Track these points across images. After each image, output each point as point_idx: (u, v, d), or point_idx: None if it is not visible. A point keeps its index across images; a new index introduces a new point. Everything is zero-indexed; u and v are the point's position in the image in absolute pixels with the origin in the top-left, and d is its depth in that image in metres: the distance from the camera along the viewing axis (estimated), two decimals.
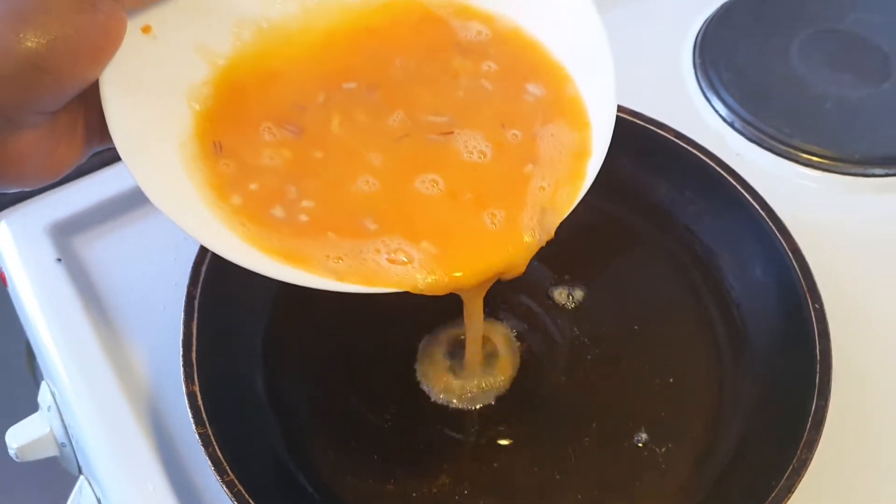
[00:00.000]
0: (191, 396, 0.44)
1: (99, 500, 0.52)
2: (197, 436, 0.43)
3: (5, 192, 0.49)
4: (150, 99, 0.39)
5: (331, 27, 0.44)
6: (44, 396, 0.56)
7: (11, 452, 0.57)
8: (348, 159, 0.41)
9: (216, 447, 0.43)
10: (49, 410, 0.56)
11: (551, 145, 0.43)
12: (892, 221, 0.61)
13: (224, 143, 0.41)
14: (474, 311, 0.45)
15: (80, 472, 0.56)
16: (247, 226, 0.39)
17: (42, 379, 0.58)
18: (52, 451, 0.56)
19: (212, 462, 0.42)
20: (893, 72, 0.69)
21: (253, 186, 0.40)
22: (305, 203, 0.40)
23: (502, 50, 0.45)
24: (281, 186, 0.40)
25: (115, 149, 0.37)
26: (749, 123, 0.65)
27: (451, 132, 0.43)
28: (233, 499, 0.41)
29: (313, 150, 0.42)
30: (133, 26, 0.38)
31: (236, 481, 0.41)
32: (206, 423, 0.43)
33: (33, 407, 0.59)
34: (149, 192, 0.37)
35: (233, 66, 0.42)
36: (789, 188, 0.63)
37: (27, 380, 0.71)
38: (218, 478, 0.42)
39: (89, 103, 0.37)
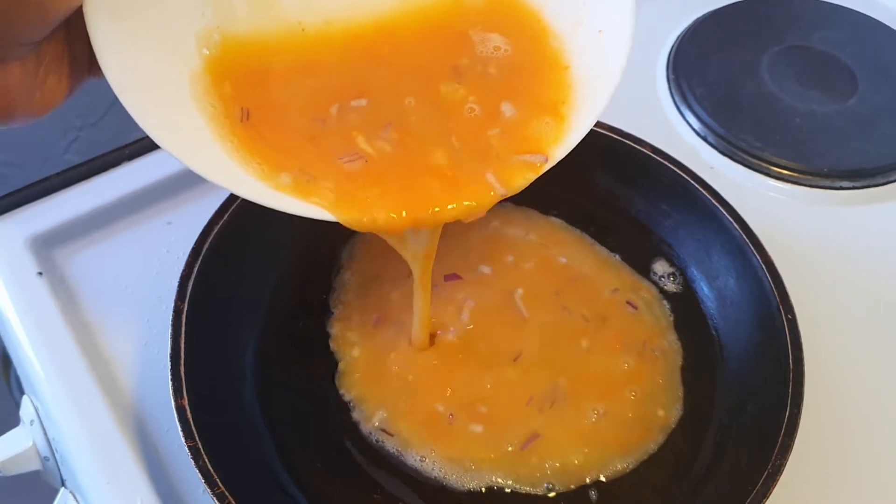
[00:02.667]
0: (180, 410, 0.45)
1: None
2: (187, 449, 0.43)
3: None
4: (146, 29, 0.39)
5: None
6: (26, 410, 0.56)
7: None
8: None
9: (206, 460, 0.43)
10: (32, 424, 0.55)
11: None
12: (859, 233, 0.63)
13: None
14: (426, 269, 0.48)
15: (64, 485, 0.56)
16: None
17: (23, 393, 0.58)
18: (35, 465, 0.56)
19: (202, 475, 0.43)
20: (859, 88, 0.71)
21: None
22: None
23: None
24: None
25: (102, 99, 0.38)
26: (722, 137, 0.67)
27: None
28: None
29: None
30: None
31: (227, 493, 0.42)
32: (196, 436, 0.44)
33: (10, 418, 0.59)
34: (144, 123, 0.37)
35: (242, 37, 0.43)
36: (761, 200, 0.64)
37: (3, 392, 0.70)
38: (209, 490, 0.42)
39: (74, 33, 0.36)
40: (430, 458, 0.49)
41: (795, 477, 0.45)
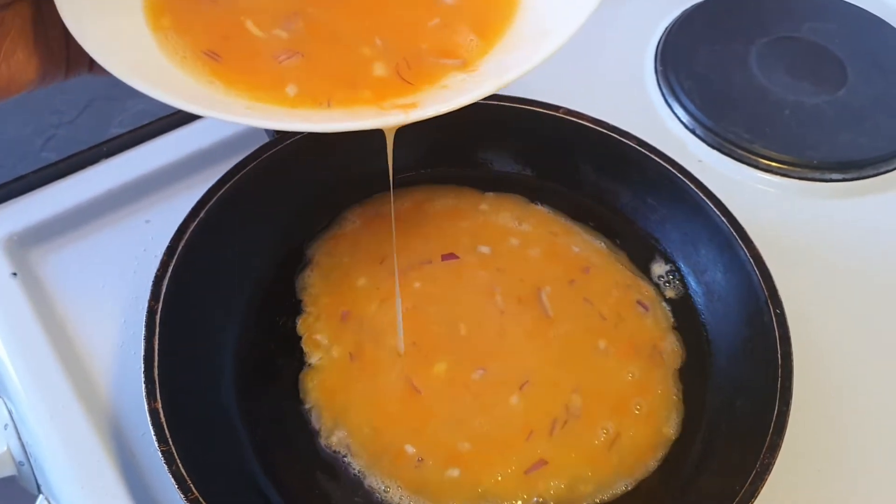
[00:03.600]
0: (153, 413, 0.43)
1: None
2: (160, 453, 0.42)
3: None
4: None
5: None
6: (0, 414, 0.55)
7: None
8: None
9: (179, 465, 0.42)
10: (6, 429, 0.54)
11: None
12: (849, 225, 0.62)
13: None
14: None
15: (40, 490, 0.55)
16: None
17: None
18: (9, 471, 0.55)
19: (175, 480, 0.42)
20: (849, 79, 0.70)
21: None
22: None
23: None
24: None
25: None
26: (710, 130, 0.66)
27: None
28: None
29: None
30: None
31: (201, 499, 0.41)
32: (169, 440, 0.43)
33: None
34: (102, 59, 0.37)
35: None
36: (750, 193, 0.63)
37: None
38: (182, 496, 0.41)
39: (46, 16, 0.36)
40: (393, 490, 0.47)
41: (785, 476, 0.44)
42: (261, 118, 0.39)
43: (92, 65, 0.42)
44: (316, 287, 0.55)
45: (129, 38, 0.41)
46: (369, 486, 0.47)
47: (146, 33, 0.42)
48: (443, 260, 0.56)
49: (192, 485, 0.41)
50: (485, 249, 0.56)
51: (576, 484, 0.47)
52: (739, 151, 0.65)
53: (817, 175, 0.64)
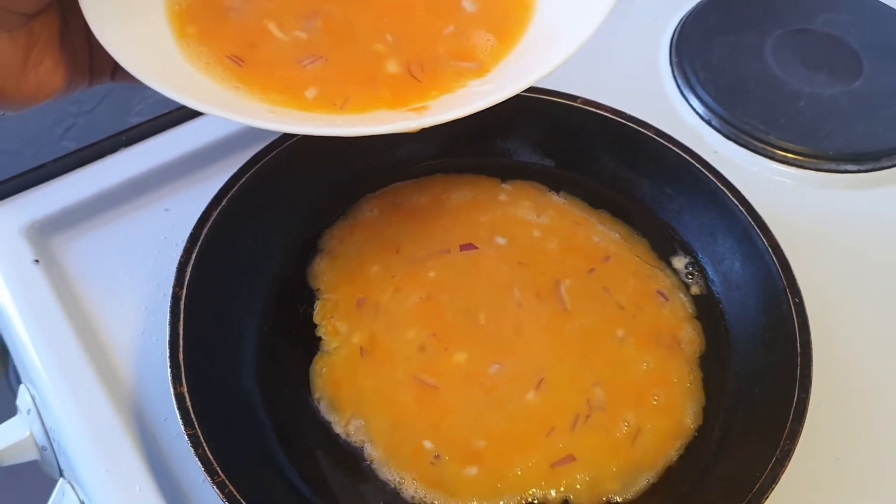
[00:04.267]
0: (179, 398, 0.44)
1: (82, 503, 0.51)
2: (186, 437, 0.43)
3: None
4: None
5: None
6: (23, 399, 0.56)
7: None
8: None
9: (206, 448, 0.42)
10: (29, 414, 0.55)
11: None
12: (866, 216, 0.62)
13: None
14: None
15: (62, 475, 0.55)
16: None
17: (20, 382, 0.57)
18: (32, 455, 0.55)
19: (202, 463, 0.42)
20: (865, 70, 0.70)
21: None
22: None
23: None
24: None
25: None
26: (726, 121, 0.66)
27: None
28: (224, 500, 0.41)
29: None
30: None
31: (227, 482, 0.41)
32: (196, 424, 0.43)
33: (8, 409, 0.58)
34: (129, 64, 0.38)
35: None
36: (766, 184, 0.64)
37: (1, 383, 0.70)
38: (209, 479, 0.41)
39: (73, 27, 0.37)
40: (408, 482, 0.47)
41: (804, 462, 0.45)
42: (282, 123, 0.40)
43: (115, 73, 0.43)
44: (331, 275, 0.55)
45: (155, 46, 0.42)
46: (385, 477, 0.47)
47: (171, 41, 0.43)
48: (461, 250, 0.56)
49: (218, 468, 0.42)
50: (504, 240, 0.56)
51: (601, 479, 0.47)
52: (755, 142, 0.65)
53: (833, 166, 0.64)
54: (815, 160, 0.64)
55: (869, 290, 0.58)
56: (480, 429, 0.49)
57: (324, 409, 0.49)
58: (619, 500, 0.47)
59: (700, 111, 0.68)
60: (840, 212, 0.63)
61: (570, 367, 0.51)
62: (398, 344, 0.52)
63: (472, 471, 0.47)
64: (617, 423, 0.49)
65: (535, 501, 0.47)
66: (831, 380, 0.50)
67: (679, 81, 0.70)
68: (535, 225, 0.57)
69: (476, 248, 0.56)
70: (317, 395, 0.50)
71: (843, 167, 0.64)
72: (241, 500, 0.41)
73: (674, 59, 0.71)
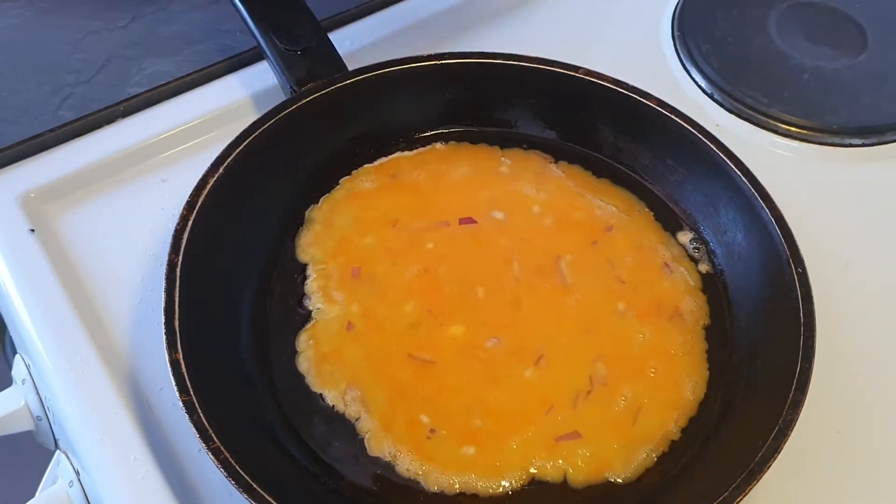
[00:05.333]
0: (174, 364, 0.43)
1: (77, 473, 0.51)
2: (181, 404, 0.42)
3: None
4: None
5: None
6: (18, 370, 0.55)
7: None
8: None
9: (201, 415, 0.42)
10: (24, 384, 0.54)
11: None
12: (869, 190, 0.62)
13: None
14: None
15: (57, 445, 0.55)
16: None
17: (15, 352, 0.57)
18: (27, 425, 0.55)
19: (197, 430, 0.42)
20: (869, 44, 0.69)
21: None
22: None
23: None
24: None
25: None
26: (728, 94, 0.66)
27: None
28: (219, 466, 0.41)
29: None
30: None
31: (222, 448, 0.41)
32: (191, 390, 0.43)
33: (4, 380, 0.57)
34: None
35: None
36: (769, 158, 0.63)
37: None
38: (203, 445, 0.41)
39: None
40: (403, 455, 0.47)
41: (806, 435, 0.44)
42: None
43: None
44: (327, 243, 0.55)
45: None
46: (378, 453, 0.47)
47: None
48: (460, 224, 0.56)
49: (213, 434, 0.41)
50: (504, 215, 0.56)
51: (602, 454, 0.47)
52: (758, 116, 0.65)
53: (837, 140, 0.64)
54: (818, 134, 0.64)
55: (872, 265, 0.58)
56: (478, 404, 0.48)
57: (311, 380, 0.49)
58: (620, 479, 0.47)
59: (702, 84, 0.67)
60: (844, 186, 0.62)
61: (571, 343, 0.51)
62: (394, 315, 0.51)
63: (470, 450, 0.47)
64: (618, 397, 0.49)
65: (535, 471, 0.46)
66: (833, 353, 0.50)
67: (681, 55, 0.69)
68: (535, 200, 0.57)
69: (475, 222, 0.55)
70: (304, 366, 0.49)
71: (847, 141, 0.64)
72: (237, 467, 0.41)
73: (676, 33, 0.70)
